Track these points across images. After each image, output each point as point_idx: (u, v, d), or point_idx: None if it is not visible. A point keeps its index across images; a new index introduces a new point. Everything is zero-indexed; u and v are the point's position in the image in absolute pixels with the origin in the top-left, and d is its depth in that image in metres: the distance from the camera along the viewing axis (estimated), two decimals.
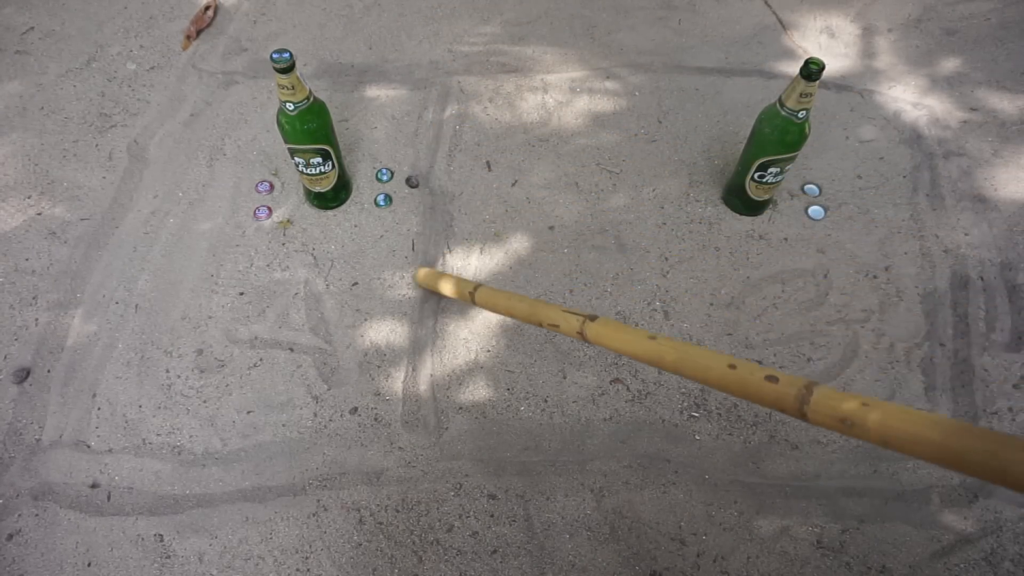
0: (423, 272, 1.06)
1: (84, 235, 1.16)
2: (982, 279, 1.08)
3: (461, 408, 0.98)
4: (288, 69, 0.92)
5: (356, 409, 0.98)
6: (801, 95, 0.93)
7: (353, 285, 1.09)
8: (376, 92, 1.35)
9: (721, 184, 1.20)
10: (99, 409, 0.98)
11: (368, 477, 0.92)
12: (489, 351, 1.03)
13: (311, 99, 0.99)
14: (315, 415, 0.97)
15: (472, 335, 1.04)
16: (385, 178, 1.22)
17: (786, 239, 1.13)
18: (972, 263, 1.10)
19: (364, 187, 1.21)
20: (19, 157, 1.25)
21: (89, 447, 0.95)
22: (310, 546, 0.87)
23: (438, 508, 0.90)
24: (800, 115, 0.96)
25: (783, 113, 0.97)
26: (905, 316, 1.05)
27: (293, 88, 0.95)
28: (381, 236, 1.15)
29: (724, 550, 0.87)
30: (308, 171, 1.08)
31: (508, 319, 1.05)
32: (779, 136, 0.99)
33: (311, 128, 1.01)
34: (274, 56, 0.91)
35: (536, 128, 1.29)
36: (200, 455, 0.94)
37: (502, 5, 1.52)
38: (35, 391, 1.00)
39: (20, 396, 0.99)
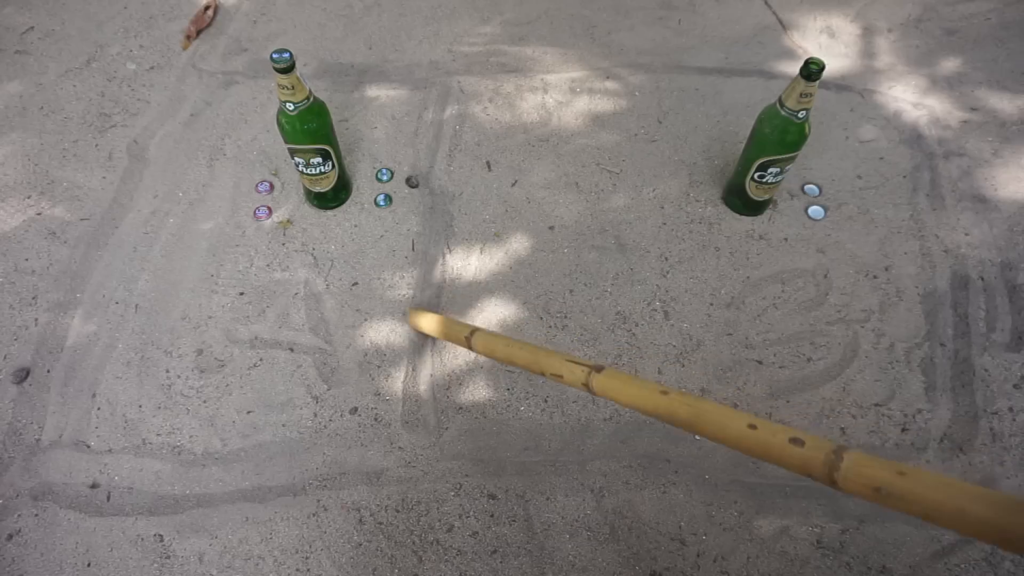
0: (416, 315, 1.01)
1: (84, 235, 1.16)
2: (982, 279, 1.08)
3: (461, 408, 0.98)
4: (288, 69, 0.92)
5: (356, 409, 0.98)
6: (801, 95, 0.93)
7: (353, 285, 1.09)
8: (376, 92, 1.35)
9: (721, 184, 1.20)
10: (99, 409, 0.98)
11: (368, 477, 0.92)
12: None
13: (311, 99, 0.99)
14: (315, 415, 0.97)
15: None
16: (385, 178, 1.22)
17: (786, 239, 1.13)
18: (972, 263, 1.10)
19: (364, 187, 1.21)
20: (19, 157, 1.25)
21: (89, 447, 0.95)
22: (310, 546, 0.87)
23: (438, 508, 0.90)
24: (800, 115, 0.96)
25: (783, 113, 0.97)
26: (905, 316, 1.05)
27: (293, 88, 0.95)
28: (381, 236, 1.15)
29: (724, 550, 0.87)
30: (308, 171, 1.08)
31: (508, 319, 1.05)
32: (779, 136, 0.99)
33: (311, 128, 1.01)
34: (274, 56, 0.91)
35: (536, 128, 1.29)
36: (200, 455, 0.94)
37: (502, 5, 1.52)
38: (35, 391, 1.00)
39: (20, 396, 0.99)
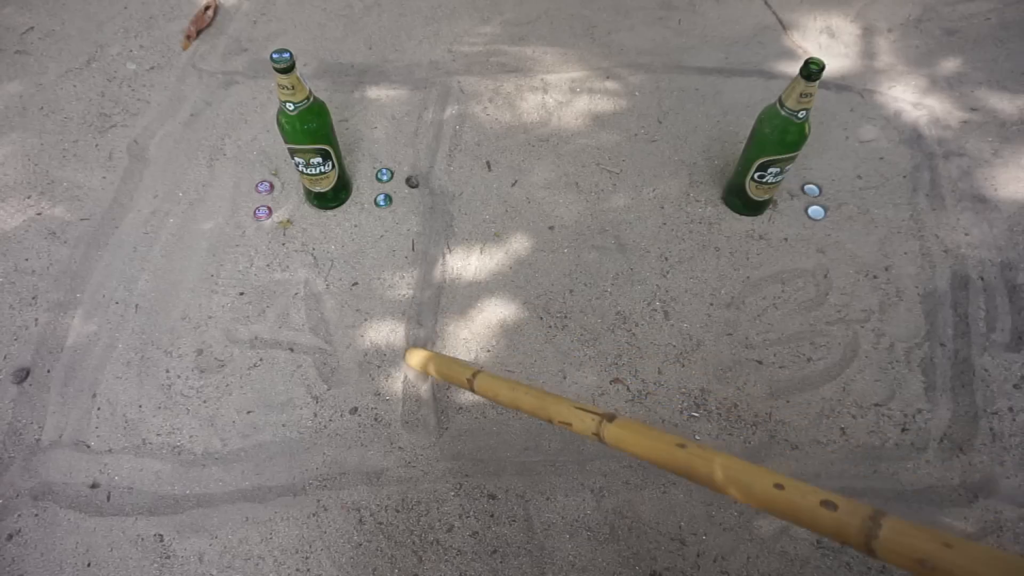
0: (414, 354, 0.97)
1: (84, 235, 1.16)
2: (982, 279, 1.08)
3: (461, 408, 0.98)
4: (288, 69, 0.92)
5: (356, 409, 0.98)
6: (801, 95, 0.93)
7: (353, 285, 1.09)
8: (376, 92, 1.35)
9: (721, 184, 1.20)
10: (99, 409, 0.98)
11: (368, 477, 0.92)
12: (489, 351, 1.03)
13: (311, 99, 0.99)
14: (315, 415, 0.97)
15: (472, 335, 1.04)
16: (385, 178, 1.22)
17: (786, 239, 1.13)
18: (972, 263, 1.10)
19: (364, 187, 1.21)
20: (19, 157, 1.25)
21: (89, 447, 0.95)
22: (310, 546, 0.87)
23: (438, 508, 0.90)
24: (800, 115, 0.96)
25: (783, 113, 0.97)
26: (905, 316, 1.05)
27: (293, 88, 0.95)
28: (381, 236, 1.15)
29: (724, 550, 0.87)
30: (308, 171, 1.08)
31: (508, 319, 1.05)
32: (779, 136, 0.99)
33: (311, 128, 1.01)
34: (274, 56, 0.91)
35: (536, 128, 1.29)
36: (200, 455, 0.94)
37: (502, 5, 1.52)
38: (35, 391, 1.00)
39: (20, 396, 0.99)
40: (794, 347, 1.02)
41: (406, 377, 1.00)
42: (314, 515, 0.90)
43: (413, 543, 0.87)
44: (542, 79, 1.37)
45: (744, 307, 1.06)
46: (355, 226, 1.16)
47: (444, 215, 1.17)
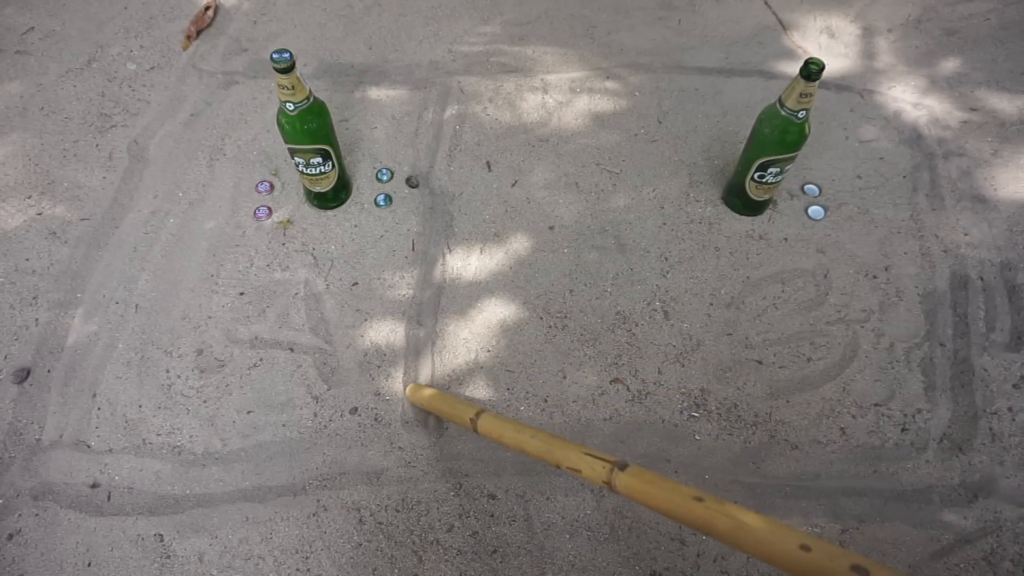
0: (417, 391, 0.95)
1: (84, 235, 1.16)
2: (982, 279, 1.08)
3: None
4: (288, 69, 0.92)
5: (356, 409, 0.98)
6: (801, 95, 0.93)
7: (353, 285, 1.09)
8: (376, 92, 1.35)
9: (721, 184, 1.20)
10: (99, 409, 0.98)
11: (368, 477, 0.92)
12: (489, 351, 1.03)
13: (311, 99, 0.99)
14: (315, 415, 0.97)
15: (472, 335, 1.04)
16: (385, 178, 1.22)
17: (786, 239, 1.13)
18: (972, 263, 1.10)
19: (364, 187, 1.21)
20: (19, 157, 1.25)
21: (89, 447, 0.95)
22: (310, 546, 0.88)
23: (438, 508, 0.90)
24: (800, 115, 0.96)
25: (783, 113, 0.97)
26: (905, 316, 1.05)
27: (293, 88, 0.95)
28: (381, 236, 1.15)
29: (724, 550, 0.87)
30: (308, 171, 1.08)
31: (508, 319, 1.05)
32: (779, 136, 0.99)
33: (311, 128, 1.01)
34: (274, 56, 0.91)
35: (536, 128, 1.29)
36: (200, 455, 0.94)
37: (502, 5, 1.52)
38: (35, 391, 1.00)
39: (20, 396, 0.99)
40: (794, 347, 1.02)
41: (406, 377, 1.00)
42: (314, 515, 0.90)
43: (413, 543, 0.88)
44: (542, 79, 1.37)
45: (744, 307, 1.06)
46: (355, 226, 1.16)
47: (444, 215, 1.17)
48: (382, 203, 1.19)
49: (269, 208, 1.18)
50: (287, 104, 0.97)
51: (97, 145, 1.28)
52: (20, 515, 0.90)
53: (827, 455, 0.94)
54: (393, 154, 1.26)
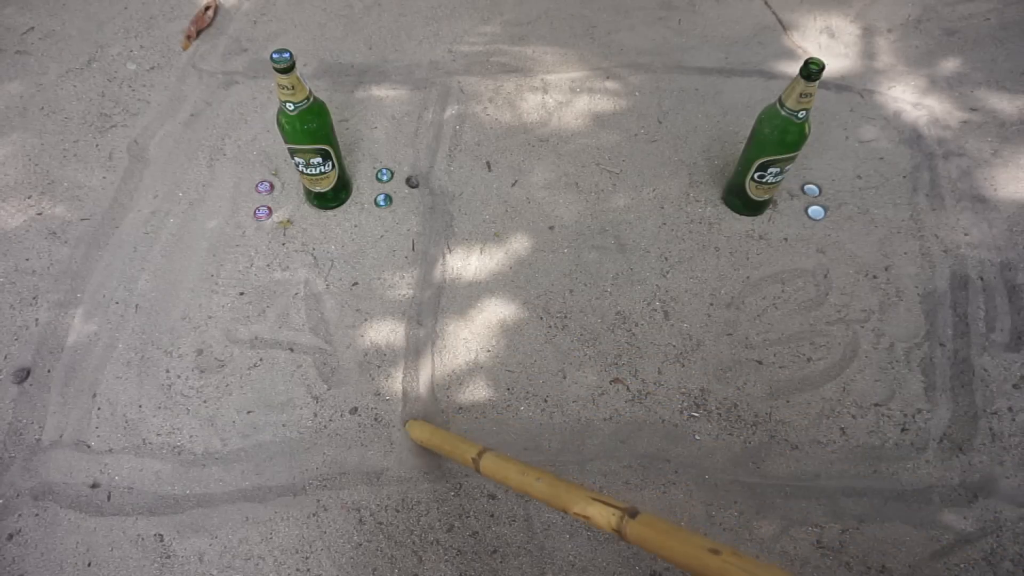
0: (417, 428, 0.93)
1: (84, 235, 1.16)
2: (982, 279, 1.08)
3: (461, 408, 0.98)
4: (288, 69, 0.92)
5: (356, 409, 0.98)
6: (801, 95, 0.93)
7: (353, 285, 1.09)
8: (376, 92, 1.35)
9: (721, 184, 1.20)
10: (99, 409, 0.98)
11: (368, 477, 0.92)
12: (489, 351, 1.03)
13: (311, 99, 0.99)
14: (315, 415, 0.97)
15: (472, 335, 1.04)
16: (385, 178, 1.22)
17: (786, 239, 1.13)
18: (972, 263, 1.10)
19: (364, 187, 1.21)
20: (19, 157, 1.25)
21: (89, 447, 0.95)
22: (310, 546, 0.88)
23: (438, 508, 0.90)
24: (800, 115, 0.96)
25: (783, 113, 0.97)
26: (905, 316, 1.05)
27: (293, 88, 0.95)
28: (381, 236, 1.15)
29: None
30: (308, 171, 1.08)
31: (508, 319, 1.05)
32: (779, 136, 0.99)
33: (311, 128, 1.01)
34: (274, 56, 0.91)
35: (536, 128, 1.29)
36: (200, 455, 0.94)
37: (502, 5, 1.52)
38: (35, 391, 1.00)
39: (20, 396, 0.99)
40: (794, 347, 1.02)
41: (406, 377, 1.00)
42: (314, 515, 0.90)
43: (413, 543, 0.88)
44: (542, 79, 1.37)
45: (744, 307, 1.06)
46: (355, 226, 1.16)
47: (444, 215, 1.17)
48: (382, 203, 1.19)
49: (269, 208, 1.18)
50: (287, 104, 0.97)
51: (97, 145, 1.28)
52: (20, 515, 0.90)
53: (827, 455, 0.94)
54: (393, 154, 1.26)
